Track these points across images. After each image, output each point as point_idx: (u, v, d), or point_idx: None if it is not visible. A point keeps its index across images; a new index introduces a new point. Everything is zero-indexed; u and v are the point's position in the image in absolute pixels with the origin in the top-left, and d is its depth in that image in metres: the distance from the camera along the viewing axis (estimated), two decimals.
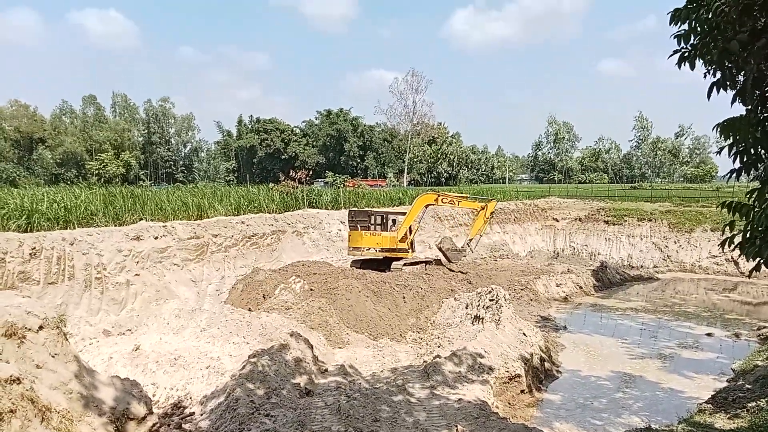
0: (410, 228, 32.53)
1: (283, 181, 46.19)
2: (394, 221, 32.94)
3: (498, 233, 51.02)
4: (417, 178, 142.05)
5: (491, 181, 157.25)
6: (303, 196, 43.91)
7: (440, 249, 34.10)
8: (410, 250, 32.80)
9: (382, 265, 31.80)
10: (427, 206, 33.16)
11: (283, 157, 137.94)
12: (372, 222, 32.00)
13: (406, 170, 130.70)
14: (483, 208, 33.77)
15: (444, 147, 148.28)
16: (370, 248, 31.54)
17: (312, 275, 27.41)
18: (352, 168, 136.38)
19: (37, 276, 21.19)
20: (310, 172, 52.82)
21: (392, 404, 14.90)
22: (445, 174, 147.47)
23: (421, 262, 32.92)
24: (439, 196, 32.94)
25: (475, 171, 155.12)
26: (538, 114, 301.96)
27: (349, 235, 32.28)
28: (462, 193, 48.53)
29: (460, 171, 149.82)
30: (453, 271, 32.99)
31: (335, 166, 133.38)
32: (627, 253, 47.16)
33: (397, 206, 49.41)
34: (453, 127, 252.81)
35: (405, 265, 31.38)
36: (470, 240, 34.19)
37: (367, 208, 38.19)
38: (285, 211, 39.73)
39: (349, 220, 32.71)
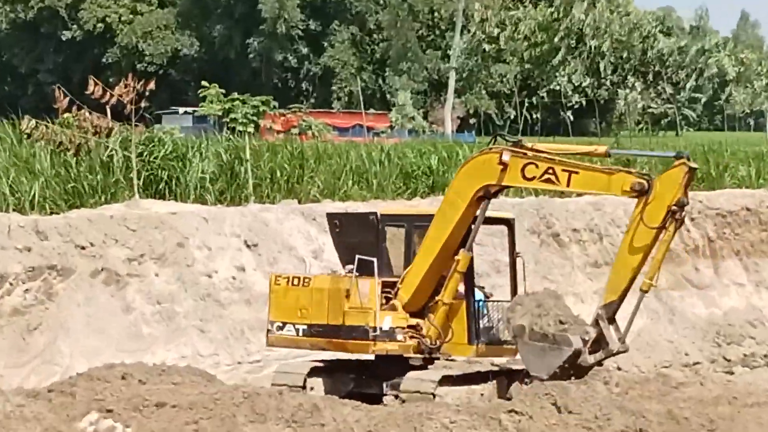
0: (456, 257, 10.71)
1: (68, 112, 17.29)
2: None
3: (735, 287, 20.29)
4: (489, 106, 57.92)
5: (715, 121, 71.90)
6: (128, 161, 16.50)
7: (514, 336, 10.28)
8: (438, 332, 10.57)
9: (373, 379, 10.97)
10: (484, 193, 10.30)
11: (68, 37, 63.13)
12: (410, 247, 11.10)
13: (452, 85, 55.28)
14: (644, 192, 9.45)
15: (578, 10, 57.42)
16: (285, 324, 11.07)
17: (152, 410, 6.61)
18: (283, 77, 61.50)
19: None
20: (150, 86, 16.82)
21: None
22: (578, 95, 57.58)
23: (503, 374, 10.82)
24: (505, 154, 10.14)
25: (668, 87, 60.90)
26: None
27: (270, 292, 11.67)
28: (630, 148, 20.94)
29: (622, 87, 58.83)
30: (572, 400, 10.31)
31: (230, 67, 59.21)
32: None
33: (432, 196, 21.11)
34: None
35: (446, 382, 10.10)
36: (608, 306, 9.75)
37: (392, 208, 14.65)
38: (73, 208, 15.31)
39: (335, 244, 11.59)
